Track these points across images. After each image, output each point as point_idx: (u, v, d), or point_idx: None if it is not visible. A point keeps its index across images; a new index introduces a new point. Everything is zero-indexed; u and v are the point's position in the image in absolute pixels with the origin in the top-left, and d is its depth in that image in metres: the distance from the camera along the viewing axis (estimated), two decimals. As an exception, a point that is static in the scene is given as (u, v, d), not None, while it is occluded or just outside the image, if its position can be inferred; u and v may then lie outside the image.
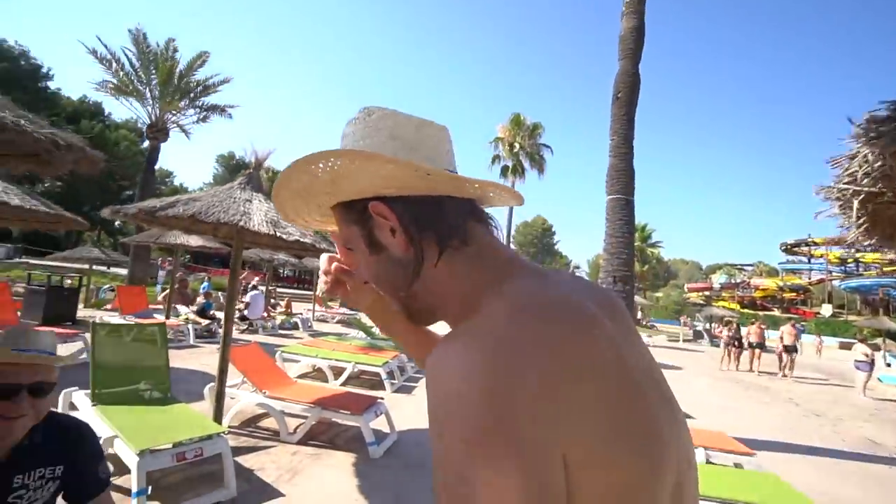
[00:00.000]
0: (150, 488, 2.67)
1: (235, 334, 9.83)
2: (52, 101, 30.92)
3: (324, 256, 0.78)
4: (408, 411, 5.26)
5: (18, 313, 7.78)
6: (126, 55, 12.88)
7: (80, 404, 3.51)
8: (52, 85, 32.26)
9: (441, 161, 0.58)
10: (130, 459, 2.70)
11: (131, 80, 12.82)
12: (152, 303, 11.05)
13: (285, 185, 0.59)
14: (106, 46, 12.80)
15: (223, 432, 3.13)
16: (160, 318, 9.06)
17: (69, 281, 10.18)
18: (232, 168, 39.46)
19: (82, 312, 10.02)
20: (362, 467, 3.62)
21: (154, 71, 12.98)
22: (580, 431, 0.40)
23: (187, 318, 9.21)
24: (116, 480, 2.92)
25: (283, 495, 3.02)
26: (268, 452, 3.73)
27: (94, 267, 14.60)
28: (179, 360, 6.79)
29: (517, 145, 27.95)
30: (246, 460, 3.53)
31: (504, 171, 28.43)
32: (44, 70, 31.67)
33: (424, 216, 0.55)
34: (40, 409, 1.29)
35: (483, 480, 0.37)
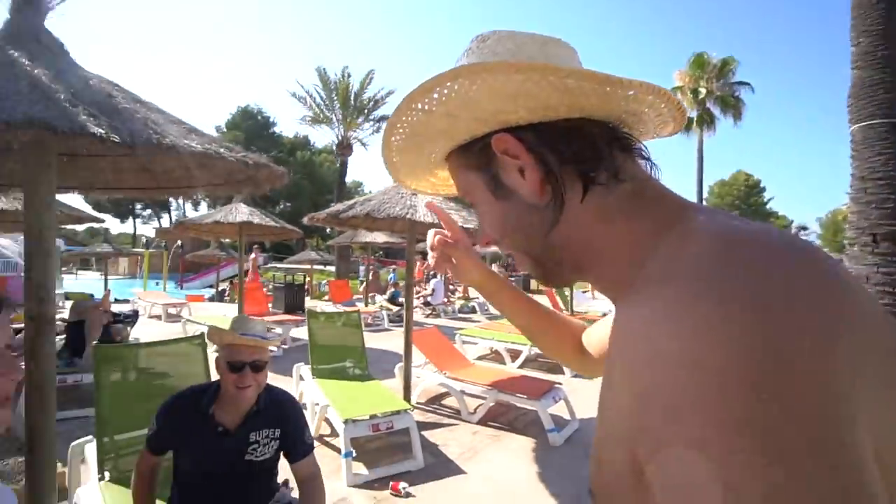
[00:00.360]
0: (353, 452, 3.05)
1: (421, 318, 10.89)
2: (276, 141, 39.82)
3: (430, 232, 0.73)
4: (588, 398, 4.90)
5: (270, 306, 10.16)
6: (316, 91, 15.86)
7: (305, 376, 4.29)
8: (276, 129, 41.45)
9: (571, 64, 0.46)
10: (339, 426, 3.15)
11: (321, 111, 15.66)
12: (356, 293, 13.12)
13: (391, 133, 0.50)
14: (302, 86, 15.94)
15: (410, 409, 3.39)
16: (360, 306, 10.66)
17: (298, 279, 12.84)
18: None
19: (310, 303, 12.56)
20: (542, 453, 3.49)
21: (335, 97, 15.53)
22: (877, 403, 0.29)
23: (381, 306, 10.59)
24: (331, 441, 3.48)
25: (464, 473, 3.11)
26: (451, 430, 3.92)
27: (315, 266, 18.21)
28: (377, 341, 7.82)
29: (703, 90, 23.01)
30: (431, 435, 3.77)
31: (688, 124, 23.98)
32: (271, 119, 40.99)
33: (563, 145, 0.43)
34: (260, 382, 1.58)
35: (770, 485, 0.25)
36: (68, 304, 7.48)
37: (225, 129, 38.35)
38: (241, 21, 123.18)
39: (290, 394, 1.78)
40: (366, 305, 10.75)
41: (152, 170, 2.71)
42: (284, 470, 1.71)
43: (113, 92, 1.68)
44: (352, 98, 15.77)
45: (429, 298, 11.38)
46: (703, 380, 0.28)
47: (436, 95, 0.43)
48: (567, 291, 9.18)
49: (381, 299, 11.37)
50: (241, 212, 7.02)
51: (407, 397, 4.57)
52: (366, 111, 16.22)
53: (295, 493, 1.79)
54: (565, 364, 0.88)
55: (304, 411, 4.11)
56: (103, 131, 1.28)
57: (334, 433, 3.33)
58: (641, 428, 0.32)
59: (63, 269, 18.35)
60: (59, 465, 2.78)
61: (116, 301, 9.57)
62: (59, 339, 4.77)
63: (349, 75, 16.19)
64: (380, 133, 16.90)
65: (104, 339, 4.40)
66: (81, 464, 2.42)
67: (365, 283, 11.82)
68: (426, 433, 3.81)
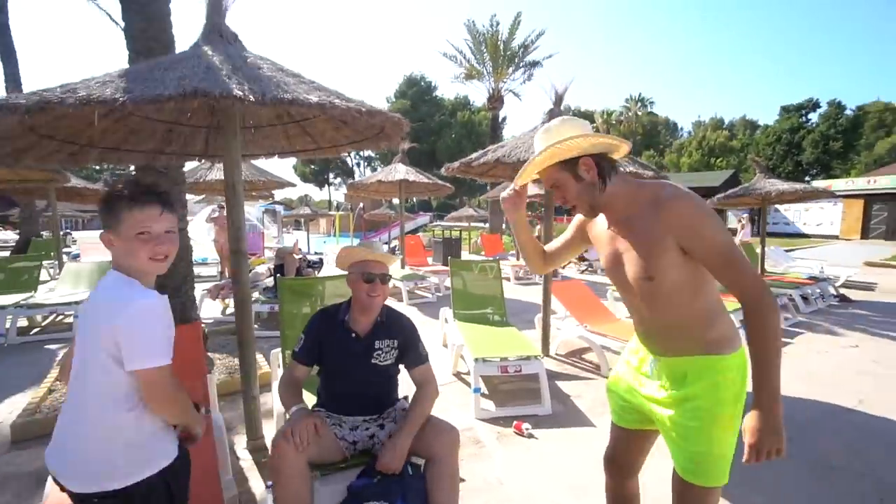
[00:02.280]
0: (481, 389, 3.24)
1: (575, 274, 10.52)
2: (438, 105, 41.79)
3: (507, 191, 1.55)
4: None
5: (429, 259, 11.15)
6: (467, 45, 15.76)
7: (448, 319, 4.66)
8: (438, 93, 43.42)
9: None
10: (471, 363, 3.37)
11: (472, 66, 15.59)
12: (509, 249, 13.33)
13: (540, 159, 1.31)
14: (452, 45, 16.08)
15: (539, 356, 3.39)
16: (512, 259, 10.81)
17: (455, 234, 13.65)
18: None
19: (467, 256, 13.32)
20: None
21: (485, 50, 15.22)
22: None
23: (532, 260, 10.55)
24: (466, 378, 3.74)
25: (593, 426, 3.00)
26: (586, 383, 3.80)
27: (473, 224, 19.05)
28: (524, 294, 7.90)
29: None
30: (565, 386, 3.72)
31: None
32: (433, 84, 43.04)
33: (603, 162, 1.29)
34: (386, 292, 1.87)
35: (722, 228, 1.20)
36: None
37: (394, 99, 41.89)
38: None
39: (405, 315, 2.00)
40: (517, 259, 10.85)
41: (312, 134, 3.19)
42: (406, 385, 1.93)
43: (262, 65, 2.03)
44: (501, 47, 15.31)
45: (584, 253, 10.84)
46: (706, 211, 1.19)
47: (568, 143, 1.25)
48: (758, 249, 7.63)
49: (531, 254, 11.32)
50: (398, 171, 7.74)
51: (545, 347, 4.58)
52: (516, 59, 15.60)
53: None
54: (529, 264, 1.72)
55: (445, 350, 4.57)
56: (241, 92, 1.57)
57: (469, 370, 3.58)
58: (687, 226, 1.18)
59: (283, 229, 23.36)
60: (266, 366, 3.73)
61: (315, 254, 11.73)
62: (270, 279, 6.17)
63: (497, 23, 15.62)
64: (531, 81, 16.30)
65: (297, 276, 5.53)
66: (277, 367, 3.16)
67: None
68: (560, 383, 3.78)
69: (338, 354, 1.87)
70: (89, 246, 11.03)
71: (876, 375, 3.99)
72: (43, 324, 5.57)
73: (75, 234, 22.32)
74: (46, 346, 4.68)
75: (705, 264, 1.19)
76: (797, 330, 5.50)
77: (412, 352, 1.92)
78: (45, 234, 11.94)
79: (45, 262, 8.68)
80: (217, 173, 6.27)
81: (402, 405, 2.02)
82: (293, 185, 7.80)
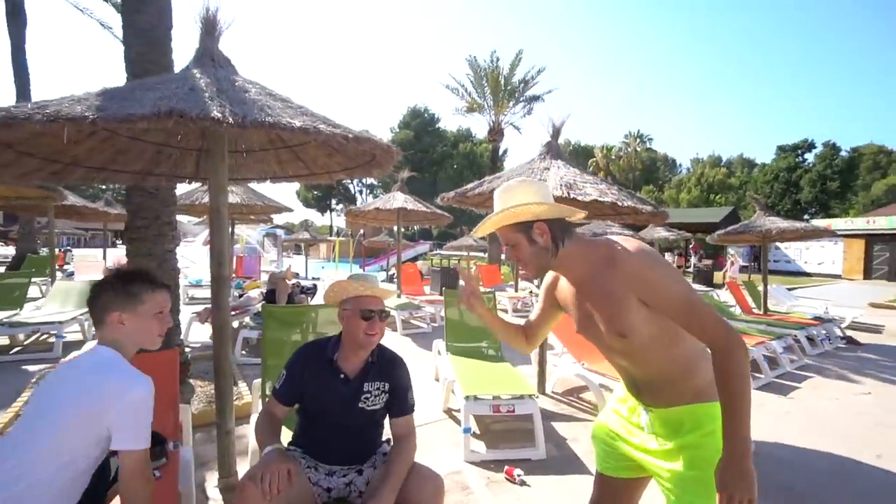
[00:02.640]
0: (472, 429, 3.06)
1: (572, 308, 10.35)
2: (441, 136, 42.71)
3: (460, 288, 1.64)
4: (772, 414, 3.92)
5: (427, 288, 11.01)
6: (469, 80, 16.22)
7: (441, 351, 4.49)
8: (440, 125, 44.41)
9: (552, 201, 1.33)
10: (461, 401, 3.20)
11: (473, 99, 15.98)
12: (508, 280, 13.18)
13: (493, 217, 1.31)
14: (454, 78, 16.53)
15: (535, 395, 3.22)
16: (510, 291, 10.67)
17: (454, 263, 13.56)
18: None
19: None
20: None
21: (486, 83, 15.63)
22: None
23: (531, 292, 10.41)
24: (457, 415, 3.56)
25: (590, 474, 2.80)
26: (584, 425, 3.60)
27: (472, 253, 19.00)
28: (522, 326, 7.73)
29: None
30: (561, 427, 3.53)
31: None
32: (435, 116, 44.10)
33: (557, 226, 1.28)
34: (382, 331, 1.73)
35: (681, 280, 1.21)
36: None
37: (398, 129, 42.77)
38: (402, 28, 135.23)
39: (399, 355, 1.87)
40: (515, 291, 10.71)
41: (304, 159, 3.15)
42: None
43: (249, 89, 1.99)
44: (502, 82, 15.72)
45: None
46: (656, 263, 1.20)
47: (521, 208, 1.26)
48: (760, 287, 7.53)
49: (529, 286, 11.19)
50: (397, 199, 7.73)
51: (541, 385, 4.40)
52: (516, 94, 15.97)
53: None
54: (515, 347, 1.66)
55: (437, 384, 4.39)
56: (220, 114, 1.52)
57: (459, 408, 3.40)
58: (640, 280, 1.17)
59: (283, 253, 23.34)
60: (249, 395, 3.55)
61: (313, 279, 11.61)
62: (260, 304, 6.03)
63: (497, 59, 16.09)
64: (531, 115, 16.63)
65: (289, 303, 5.39)
66: (259, 399, 3.00)
67: (514, 269, 11.77)
68: (556, 424, 3.59)
69: (322, 396, 1.72)
70: (85, 265, 10.95)
71: (893, 427, 3.78)
72: (25, 342, 5.41)
73: (75, 251, 22.33)
74: (24, 367, 4.50)
75: (667, 315, 1.18)
76: (804, 374, 5.30)
77: (400, 398, 1.79)
78: (44, 250, 11.88)
79: (38, 279, 8.58)
80: (214, 196, 6.26)
81: (383, 449, 1.87)
82: (290, 209, 7.78)
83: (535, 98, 16.65)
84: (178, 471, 1.96)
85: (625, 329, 1.20)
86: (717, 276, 18.35)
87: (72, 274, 10.98)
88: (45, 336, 5.53)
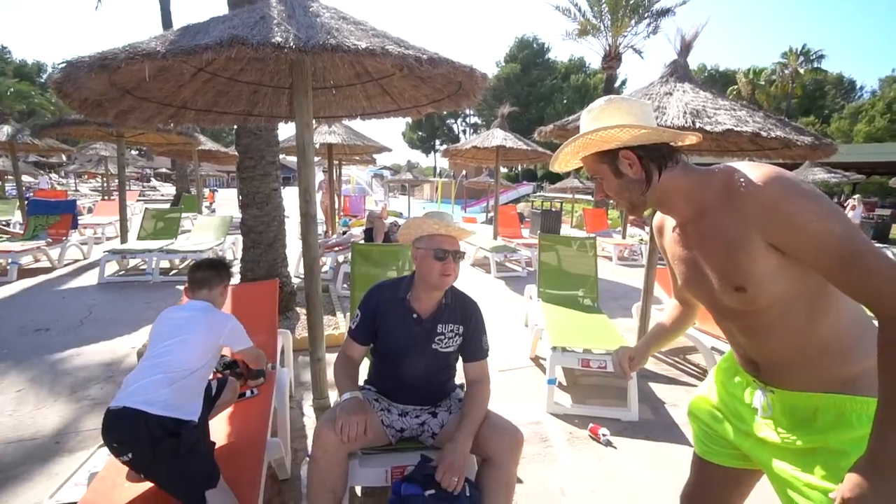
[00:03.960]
0: (557, 380, 2.91)
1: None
2: (551, 68, 39.37)
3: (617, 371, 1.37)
4: None
5: (526, 231, 10.68)
6: (584, -2, 14.01)
7: (532, 296, 4.33)
8: (550, 56, 40.79)
9: (652, 123, 1.03)
10: (547, 351, 3.04)
11: (587, 20, 13.88)
12: (616, 226, 12.19)
13: (575, 141, 1.03)
14: (566, -2, 14.42)
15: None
16: (617, 237, 9.85)
17: (557, 206, 12.87)
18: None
19: (566, 231, 12.53)
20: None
21: (604, 1, 13.36)
22: None
23: (641, 239, 9.49)
24: (545, 363, 3.42)
25: (688, 444, 2.51)
26: (687, 389, 3.23)
27: (578, 196, 17.82)
28: (627, 277, 7.13)
29: None
30: (660, 390, 3.20)
31: None
32: (546, 46, 40.49)
33: (652, 155, 1.00)
34: (458, 271, 1.66)
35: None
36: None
37: (503, 63, 40.42)
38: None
39: (473, 299, 1.79)
40: (623, 237, 9.87)
41: (391, 93, 3.02)
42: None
43: (321, 13, 1.87)
44: (623, -3, 13.31)
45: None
46: (802, 191, 0.83)
47: (601, 133, 0.98)
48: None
49: (640, 233, 10.19)
50: (495, 137, 7.35)
51: (641, 341, 4.02)
52: (640, 9, 13.43)
53: None
54: (688, 326, 1.42)
55: (526, 330, 4.27)
56: (281, 40, 1.42)
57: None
58: (774, 215, 0.83)
59: (390, 193, 24.50)
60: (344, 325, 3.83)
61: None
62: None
63: (621, -33, 13.58)
64: (658, 33, 14.12)
65: (386, 241, 5.61)
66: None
67: (623, 213, 10.77)
68: (655, 385, 3.27)
69: (395, 335, 1.71)
70: (223, 202, 12.69)
71: None
72: (180, 266, 6.52)
73: (221, 191, 26.14)
74: (177, 286, 5.45)
75: (813, 266, 0.84)
76: None
77: (475, 343, 1.72)
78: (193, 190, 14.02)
79: (190, 214, 10.21)
80: (318, 136, 6.57)
81: (458, 395, 1.83)
82: (389, 149, 7.89)
83: (665, 12, 13.77)
84: (272, 389, 2.17)
85: (743, 280, 0.91)
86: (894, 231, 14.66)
87: (215, 210, 12.85)
88: (192, 262, 6.60)
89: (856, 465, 0.83)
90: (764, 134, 2.84)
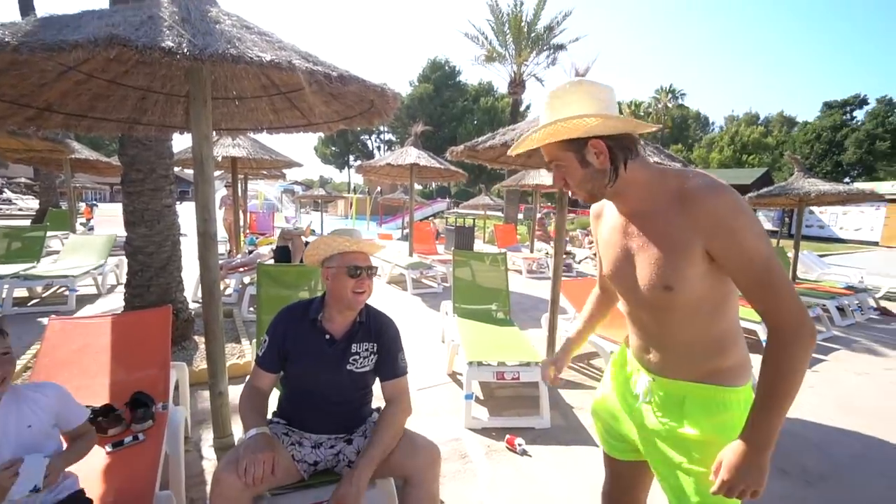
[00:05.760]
0: (473, 394, 2.96)
1: (592, 270, 10.10)
2: (462, 90, 41.09)
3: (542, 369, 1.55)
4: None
5: (441, 248, 10.86)
6: (490, 26, 15.13)
7: (448, 312, 4.38)
8: (461, 79, 42.57)
9: (616, 109, 1.04)
10: (464, 367, 3.09)
11: (493, 48, 14.99)
12: (524, 240, 12.91)
13: (536, 131, 1.04)
14: (474, 26, 15.43)
15: (540, 362, 3.08)
16: (525, 251, 10.44)
17: (470, 222, 13.30)
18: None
19: (480, 246, 12.99)
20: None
21: (508, 30, 14.56)
22: None
23: (547, 253, 10.16)
24: (462, 379, 3.47)
25: (596, 445, 2.69)
26: (591, 393, 3.48)
27: (489, 212, 18.60)
28: (534, 289, 7.56)
29: None
30: (569, 395, 3.42)
31: None
32: (456, 69, 42.21)
33: (618, 144, 1.01)
34: (370, 289, 1.61)
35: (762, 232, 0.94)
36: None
37: (416, 83, 41.29)
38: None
39: (388, 315, 1.76)
40: (531, 252, 10.48)
41: (300, 108, 2.90)
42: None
43: (222, 20, 1.74)
44: (525, 29, 14.56)
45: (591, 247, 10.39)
46: (746, 212, 0.93)
47: (575, 122, 0.98)
48: (790, 254, 7.08)
49: (545, 247, 10.93)
50: (409, 154, 7.43)
51: (550, 350, 4.25)
52: (540, 42, 14.83)
53: None
54: (610, 313, 1.52)
55: (443, 346, 4.30)
56: (172, 45, 1.29)
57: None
58: (720, 227, 0.92)
59: (302, 210, 23.40)
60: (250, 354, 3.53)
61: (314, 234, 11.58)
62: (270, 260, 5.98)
63: (522, 3, 14.77)
64: (556, 65, 15.58)
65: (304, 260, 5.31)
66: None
67: (530, 229, 11.48)
68: (564, 392, 3.48)
69: (307, 359, 1.61)
70: (104, 219, 11.11)
71: (924, 404, 3.54)
72: (43, 295, 5.53)
73: (101, 205, 22.85)
74: (39, 319, 4.60)
75: (736, 278, 0.96)
76: (831, 345, 5.03)
77: (391, 360, 1.67)
78: (63, 205, 12.10)
79: (59, 233, 8.75)
80: (221, 149, 6.09)
81: (374, 419, 1.76)
82: (300, 164, 7.55)
83: (560, 47, 15.42)
84: (163, 432, 1.91)
85: (675, 280, 0.98)
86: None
87: (92, 228, 11.19)
88: (62, 289, 5.63)
89: (729, 447, 0.96)
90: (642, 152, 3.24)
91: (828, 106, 40.85)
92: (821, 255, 11.24)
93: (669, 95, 41.05)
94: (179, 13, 1.63)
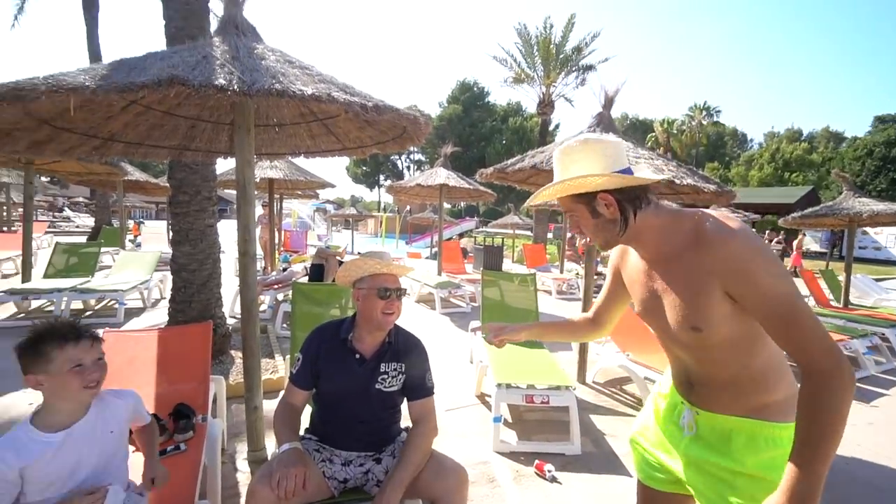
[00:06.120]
0: (502, 418, 2.92)
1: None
2: (490, 110, 41.61)
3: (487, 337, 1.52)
4: (850, 424, 3.47)
5: (469, 266, 10.88)
6: (518, 49, 15.40)
7: (477, 333, 4.37)
8: (490, 99, 43.18)
9: (625, 161, 1.06)
10: (492, 388, 3.06)
11: (522, 69, 15.19)
12: (554, 260, 12.75)
13: (553, 186, 1.10)
14: (502, 48, 15.74)
15: (571, 386, 3.02)
16: (555, 272, 10.30)
17: (498, 241, 13.29)
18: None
19: (508, 266, 12.91)
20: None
21: (537, 52, 14.75)
22: None
23: (577, 273, 9.99)
24: (490, 401, 3.43)
25: (628, 475, 2.60)
26: (626, 420, 3.36)
27: (518, 231, 18.54)
28: (565, 310, 7.44)
29: None
30: (600, 422, 3.32)
31: None
32: (485, 90, 42.91)
33: (627, 197, 1.04)
34: (399, 310, 1.66)
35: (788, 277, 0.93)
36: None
37: (446, 104, 42.12)
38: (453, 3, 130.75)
39: (417, 337, 1.80)
40: (560, 272, 10.34)
41: (336, 133, 3.04)
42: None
43: (267, 56, 1.88)
44: (553, 50, 14.72)
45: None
46: (762, 251, 0.93)
47: (579, 180, 1.04)
48: (841, 277, 6.69)
49: (577, 267, 10.75)
50: (439, 175, 7.56)
51: (581, 374, 4.17)
52: (569, 63, 14.92)
53: None
54: (583, 340, 1.74)
55: (471, 367, 4.28)
56: (224, 82, 1.41)
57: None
58: (735, 270, 0.92)
59: (333, 228, 24.04)
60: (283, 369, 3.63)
61: (357, 253, 11.82)
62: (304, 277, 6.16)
63: (551, 26, 15.03)
64: (585, 86, 15.58)
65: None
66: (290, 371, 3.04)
67: (560, 249, 11.34)
68: (595, 417, 3.38)
69: (337, 378, 1.66)
70: (150, 236, 11.79)
71: None
72: (96, 307, 5.89)
73: (148, 223, 24.25)
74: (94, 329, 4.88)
75: (758, 319, 0.94)
76: (892, 378, 4.67)
77: (419, 381, 1.70)
78: (115, 223, 12.93)
79: (111, 249, 9.34)
80: (259, 171, 6.40)
81: (403, 438, 1.78)
82: (333, 185, 7.84)
83: (589, 67, 15.43)
84: (202, 443, 1.99)
85: (702, 322, 0.99)
86: (786, 263, 16.68)
87: (139, 244, 11.88)
88: (111, 302, 5.99)
89: (771, 499, 0.92)
90: (677, 181, 3.18)
91: (880, 120, 38.81)
92: (877, 279, 10.55)
93: (704, 112, 40.09)
94: (230, 51, 1.78)
